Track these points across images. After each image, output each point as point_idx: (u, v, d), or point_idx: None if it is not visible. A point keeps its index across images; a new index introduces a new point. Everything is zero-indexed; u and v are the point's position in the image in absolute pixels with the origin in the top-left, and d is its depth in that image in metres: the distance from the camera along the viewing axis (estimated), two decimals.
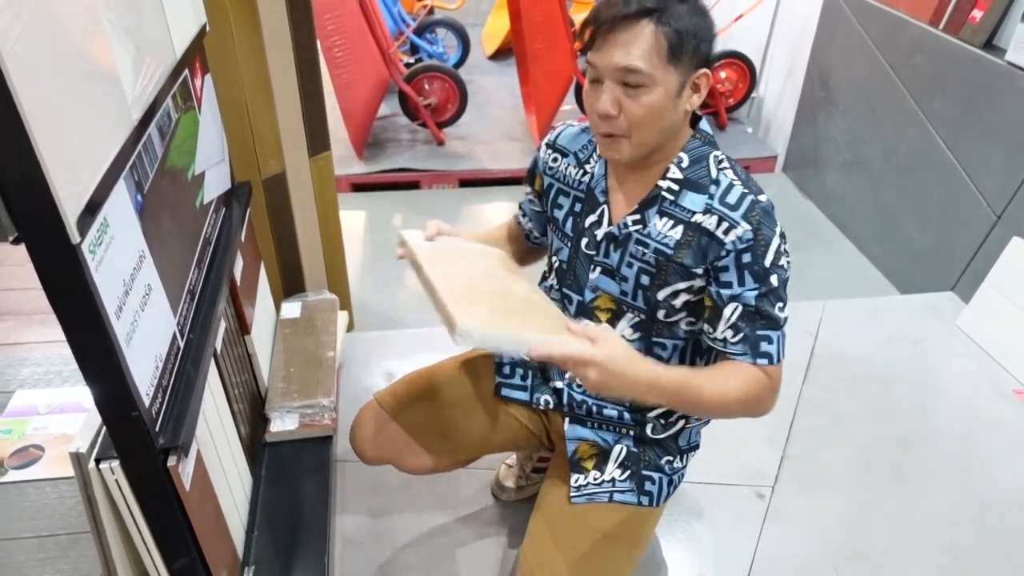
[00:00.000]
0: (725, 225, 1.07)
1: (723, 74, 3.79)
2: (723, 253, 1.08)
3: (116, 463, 1.05)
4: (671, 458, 1.32)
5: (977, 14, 2.33)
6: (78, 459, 1.07)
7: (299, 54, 1.79)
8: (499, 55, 5.15)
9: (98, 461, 1.06)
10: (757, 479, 1.73)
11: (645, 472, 1.30)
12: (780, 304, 1.10)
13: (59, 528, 1.56)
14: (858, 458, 1.80)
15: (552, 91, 3.49)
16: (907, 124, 2.64)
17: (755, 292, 1.08)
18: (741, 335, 1.10)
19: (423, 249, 1.17)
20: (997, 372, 2.07)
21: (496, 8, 5.36)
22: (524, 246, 1.44)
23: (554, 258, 1.31)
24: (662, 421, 1.30)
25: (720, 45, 4.01)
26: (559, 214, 1.27)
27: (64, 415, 1.84)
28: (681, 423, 1.31)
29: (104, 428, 1.06)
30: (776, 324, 1.10)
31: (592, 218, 1.21)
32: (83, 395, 1.90)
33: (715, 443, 1.76)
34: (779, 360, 1.11)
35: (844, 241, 3.04)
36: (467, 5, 4.79)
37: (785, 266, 1.10)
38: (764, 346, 1.10)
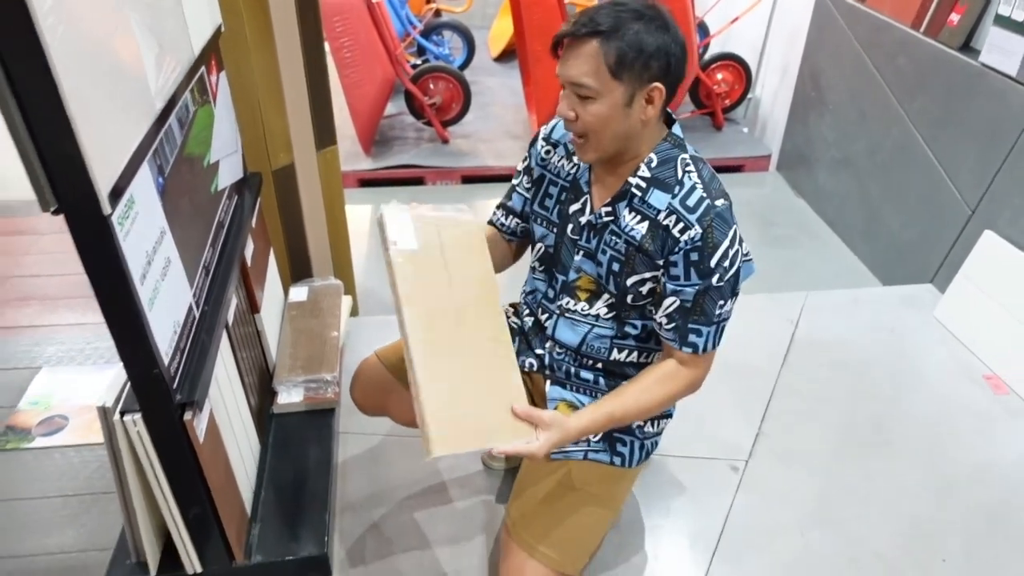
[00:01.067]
0: (681, 225, 1.20)
1: (719, 75, 3.90)
2: (676, 249, 1.20)
3: (138, 416, 1.18)
4: (642, 423, 1.44)
5: (955, 17, 2.43)
6: (104, 412, 1.20)
7: (307, 54, 1.92)
8: (504, 56, 5.28)
9: (122, 414, 1.18)
10: (732, 453, 1.84)
11: (617, 434, 1.42)
12: (721, 301, 1.23)
13: (82, 489, 1.69)
14: (830, 436, 1.90)
15: (552, 91, 3.60)
16: (890, 123, 2.74)
17: (695, 288, 1.21)
18: (674, 324, 1.25)
19: (403, 273, 1.25)
20: (969, 359, 2.17)
21: (502, 11, 5.49)
22: (504, 249, 1.52)
23: (539, 244, 1.43)
24: None
25: (718, 47, 4.15)
26: (548, 203, 1.39)
27: (86, 389, 1.98)
28: None
29: (128, 385, 1.18)
30: (709, 320, 1.24)
31: (576, 206, 1.33)
32: (104, 373, 2.03)
33: (694, 420, 1.89)
34: (706, 350, 1.27)
35: (832, 237, 3.14)
36: (474, 8, 4.92)
37: (729, 266, 1.20)
38: (692, 337, 1.25)
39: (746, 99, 3.99)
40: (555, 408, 1.44)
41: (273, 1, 1.77)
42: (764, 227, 3.33)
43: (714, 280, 1.20)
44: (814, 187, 3.38)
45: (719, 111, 3.96)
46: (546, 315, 1.43)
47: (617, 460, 1.41)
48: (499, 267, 1.50)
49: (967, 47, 2.43)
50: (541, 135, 1.41)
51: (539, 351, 1.46)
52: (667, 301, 1.24)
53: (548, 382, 1.46)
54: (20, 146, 0.88)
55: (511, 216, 1.48)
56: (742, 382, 2.07)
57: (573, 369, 1.43)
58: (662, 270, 1.24)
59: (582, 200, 1.32)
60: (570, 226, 1.34)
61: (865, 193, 2.94)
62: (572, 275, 1.36)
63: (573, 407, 1.43)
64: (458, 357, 1.22)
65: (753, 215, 3.44)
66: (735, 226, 1.22)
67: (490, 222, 1.53)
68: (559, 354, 1.43)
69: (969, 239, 2.33)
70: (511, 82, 4.75)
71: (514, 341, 1.51)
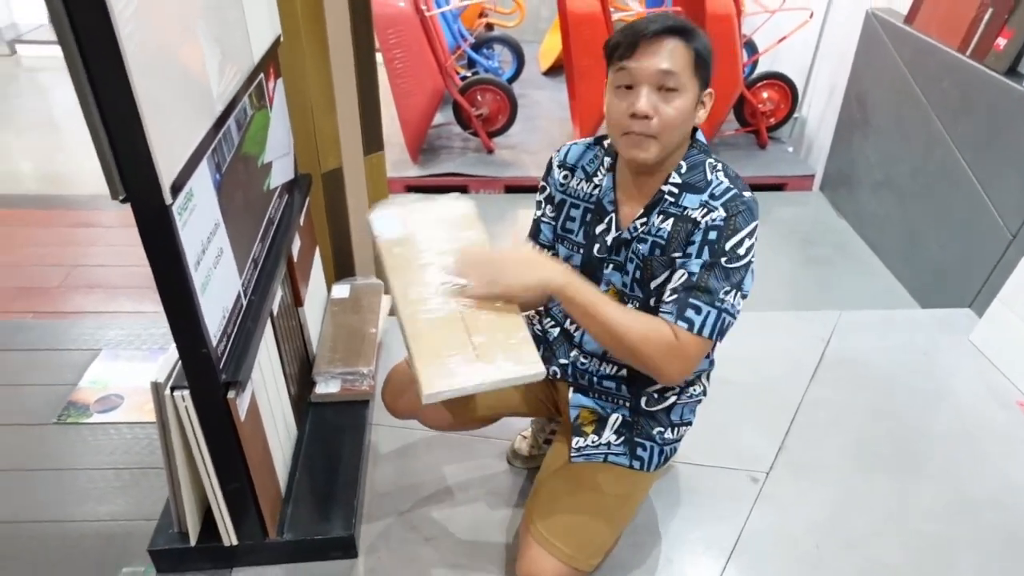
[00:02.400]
0: (706, 210, 1.24)
1: (765, 94, 3.91)
2: (697, 231, 1.24)
3: (186, 392, 1.28)
4: (662, 429, 1.48)
5: (1001, 42, 2.42)
6: (156, 387, 1.30)
7: (359, 65, 2.02)
8: (553, 71, 5.36)
9: (172, 390, 1.29)
10: (753, 464, 1.86)
11: (638, 439, 1.46)
12: (727, 286, 1.22)
13: (132, 463, 1.81)
14: (853, 452, 1.91)
15: (596, 105, 3.67)
16: (933, 145, 2.73)
17: (703, 261, 1.22)
18: (675, 297, 1.24)
19: (389, 253, 1.33)
20: (1003, 384, 2.15)
21: (553, 27, 5.58)
22: None
23: (567, 263, 1.46)
24: (655, 395, 1.46)
25: (766, 66, 4.16)
26: (572, 225, 1.43)
27: (141, 372, 2.11)
28: (673, 399, 1.47)
29: (179, 363, 1.28)
30: (712, 300, 1.21)
31: (601, 227, 1.38)
32: (158, 358, 2.16)
33: (717, 430, 1.92)
34: (701, 333, 1.21)
35: (873, 258, 3.12)
36: (525, 23, 5.01)
37: (744, 254, 1.22)
38: (690, 312, 1.22)
39: (792, 118, 3.99)
40: (577, 415, 1.49)
41: (329, 14, 1.88)
42: (804, 246, 3.33)
43: (723, 260, 1.21)
44: (856, 208, 3.37)
45: (763, 129, 3.96)
46: (575, 325, 1.48)
47: (636, 464, 1.45)
48: (540, 303, 1.52)
49: (1013, 71, 2.41)
50: (555, 163, 1.43)
51: (563, 360, 1.51)
52: (676, 275, 1.25)
53: (571, 389, 1.51)
54: (96, 140, 0.99)
55: (544, 251, 1.49)
56: (768, 395, 2.09)
57: (596, 378, 1.48)
58: (680, 258, 1.26)
59: (607, 219, 1.36)
60: (596, 246, 1.38)
61: (906, 215, 2.93)
62: (603, 287, 1.40)
63: (595, 413, 1.49)
64: (449, 314, 1.24)
65: (794, 234, 3.44)
66: (758, 221, 1.25)
67: None
68: (584, 362, 1.48)
69: (1009, 264, 2.30)
70: (559, 96, 4.83)
71: (539, 348, 1.57)
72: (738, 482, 1.82)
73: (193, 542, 1.51)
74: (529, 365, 1.17)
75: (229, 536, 1.50)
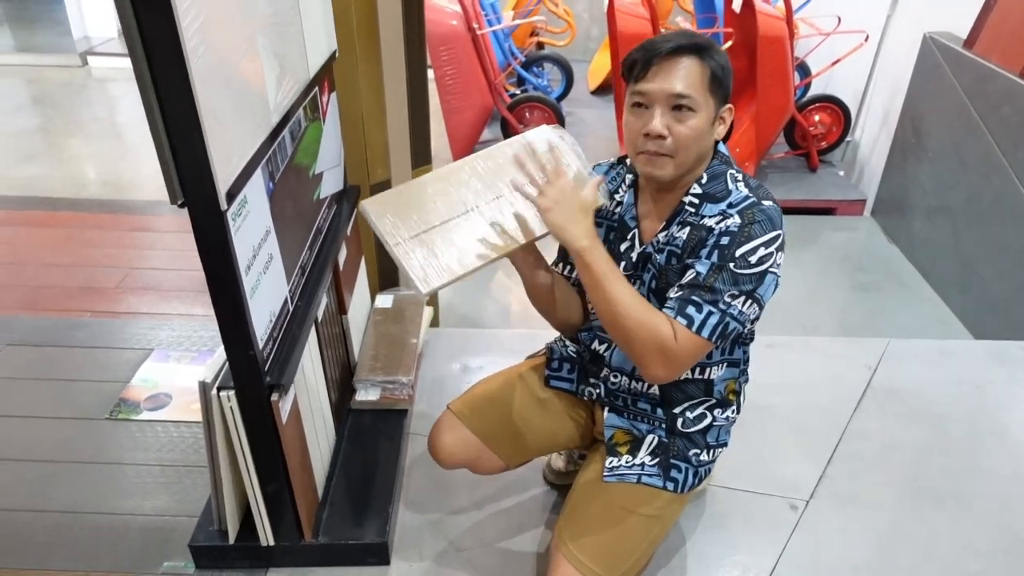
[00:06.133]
0: (720, 217, 1.24)
1: (816, 117, 3.86)
2: (711, 236, 1.23)
3: (232, 392, 1.32)
4: (698, 451, 1.46)
5: None
6: (204, 387, 1.35)
7: (411, 81, 2.07)
8: (602, 90, 5.38)
9: (219, 390, 1.33)
10: (793, 492, 1.82)
11: (673, 461, 1.45)
12: (734, 290, 1.20)
13: (178, 461, 1.86)
14: (898, 484, 1.86)
15: None
16: (992, 173, 2.66)
17: (711, 264, 1.20)
18: (679, 294, 1.23)
19: (501, 151, 1.34)
20: None
21: (603, 46, 5.61)
22: (578, 302, 1.51)
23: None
24: (691, 416, 1.45)
25: (819, 89, 4.10)
26: None
27: (190, 373, 2.18)
28: (709, 419, 1.46)
29: (226, 365, 1.32)
30: (715, 300, 1.19)
31: (625, 244, 1.38)
32: (206, 358, 2.22)
33: (756, 454, 1.89)
34: (700, 332, 1.20)
35: (924, 286, 3.04)
36: (575, 42, 5.06)
37: (756, 263, 1.19)
38: (690, 309, 1.20)
39: (844, 142, 3.92)
40: (611, 435, 1.49)
41: (383, 31, 1.93)
42: (853, 272, 3.26)
43: (731, 265, 1.19)
44: (908, 234, 3.29)
45: (814, 152, 3.91)
46: (604, 345, 1.48)
47: (670, 485, 1.43)
48: (533, 266, 1.47)
49: None
50: None
51: (595, 381, 1.52)
52: (685, 274, 1.25)
53: (606, 410, 1.51)
54: (159, 146, 1.04)
55: (569, 267, 1.50)
56: (811, 422, 2.04)
57: (631, 399, 1.48)
58: (691, 261, 1.25)
59: (630, 236, 1.37)
60: (623, 263, 1.38)
61: (961, 243, 2.85)
62: None
63: (629, 434, 1.48)
64: (455, 205, 1.29)
65: (844, 259, 3.37)
66: (780, 232, 1.22)
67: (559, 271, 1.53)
68: (615, 381, 1.48)
69: None
70: (606, 114, 4.84)
71: (573, 371, 1.58)
72: (776, 509, 1.78)
73: (232, 540, 1.55)
74: (421, 280, 1.24)
75: (266, 536, 1.53)
